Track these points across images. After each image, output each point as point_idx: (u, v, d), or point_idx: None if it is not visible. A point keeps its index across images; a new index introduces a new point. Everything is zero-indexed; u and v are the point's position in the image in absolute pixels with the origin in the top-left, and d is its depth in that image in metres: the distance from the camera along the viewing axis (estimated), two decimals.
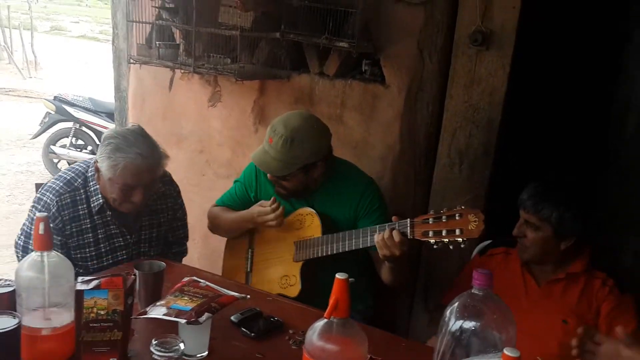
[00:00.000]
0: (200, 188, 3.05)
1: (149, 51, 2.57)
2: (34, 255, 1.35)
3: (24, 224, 2.07)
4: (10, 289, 1.37)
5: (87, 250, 2.06)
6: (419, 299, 2.69)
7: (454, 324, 1.17)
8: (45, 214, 1.34)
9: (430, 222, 1.78)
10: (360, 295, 2.23)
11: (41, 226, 1.33)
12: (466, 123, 2.40)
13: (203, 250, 3.14)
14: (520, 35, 2.26)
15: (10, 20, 13.86)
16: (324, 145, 2.08)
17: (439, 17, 2.38)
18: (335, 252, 2.01)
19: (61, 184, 2.02)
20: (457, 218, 1.74)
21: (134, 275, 1.54)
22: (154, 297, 1.65)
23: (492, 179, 2.41)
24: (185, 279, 1.61)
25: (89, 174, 2.03)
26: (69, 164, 6.23)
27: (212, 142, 2.99)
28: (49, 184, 2.05)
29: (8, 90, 10.91)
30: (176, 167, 2.81)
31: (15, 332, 1.24)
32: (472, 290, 1.18)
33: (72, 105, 6.20)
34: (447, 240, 1.75)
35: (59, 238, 1.99)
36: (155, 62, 2.54)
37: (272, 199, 2.12)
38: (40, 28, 20.45)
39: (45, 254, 1.35)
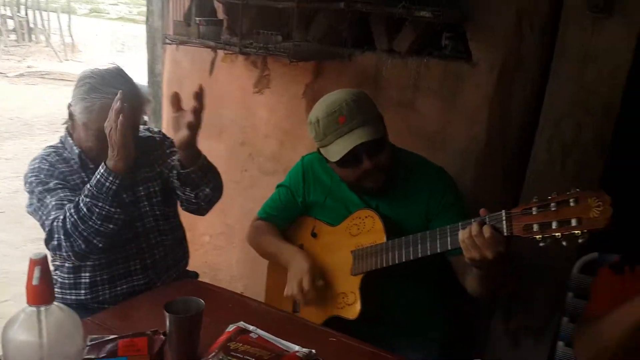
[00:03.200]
0: (242, 185, 2.66)
1: (188, 29, 2.16)
2: (27, 312, 0.97)
3: (38, 217, 1.70)
4: None
5: None
6: (499, 319, 2.25)
7: None
8: (41, 254, 0.95)
9: (534, 213, 1.33)
10: (435, 320, 1.85)
11: (36, 272, 0.94)
12: (575, 109, 1.92)
13: (242, 254, 2.77)
14: None
15: (49, 4, 13.72)
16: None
17: None
18: (404, 259, 1.59)
19: (40, 153, 1.78)
20: (571, 204, 1.28)
21: (162, 334, 1.13)
22: (189, 344, 1.26)
23: (605, 180, 1.93)
24: (231, 327, 1.20)
25: (63, 135, 1.80)
26: None
27: (256, 133, 2.59)
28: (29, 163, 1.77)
29: (44, 73, 10.76)
30: (214, 161, 2.42)
31: None
32: None
33: None
34: (559, 234, 1.29)
35: (68, 187, 1.69)
36: (194, 41, 2.14)
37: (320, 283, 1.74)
38: (79, 11, 20.44)
39: (42, 309, 0.97)
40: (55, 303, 0.98)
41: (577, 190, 1.30)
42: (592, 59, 1.86)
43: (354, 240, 1.75)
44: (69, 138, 1.76)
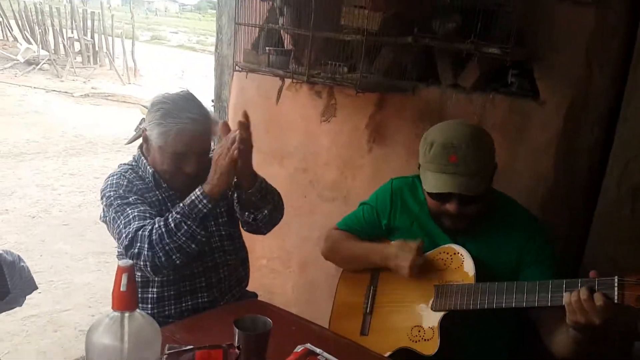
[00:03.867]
0: (301, 211, 2.70)
1: (258, 58, 2.24)
2: (111, 317, 1.02)
3: (115, 225, 1.73)
4: None
5: None
6: None
7: None
8: (129, 262, 1.00)
9: None
10: None
11: (124, 279, 1.00)
12: None
13: (299, 280, 2.79)
14: None
15: (114, 30, 14.41)
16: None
17: (614, 19, 1.89)
18: (495, 306, 1.55)
19: (118, 170, 1.86)
20: None
21: (237, 348, 1.16)
22: None
23: None
24: (299, 348, 1.22)
25: (136, 154, 1.88)
26: None
27: (318, 161, 2.63)
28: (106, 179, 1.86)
29: (108, 95, 11.25)
30: (276, 186, 2.48)
31: None
32: None
33: None
34: None
35: (146, 202, 1.77)
36: (264, 69, 2.21)
37: (419, 242, 1.71)
38: (142, 37, 21.36)
39: (126, 314, 1.02)
40: (137, 310, 1.03)
41: None
42: None
43: (438, 274, 1.71)
44: (143, 158, 1.84)
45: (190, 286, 1.83)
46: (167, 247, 1.63)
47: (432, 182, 1.66)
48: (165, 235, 1.63)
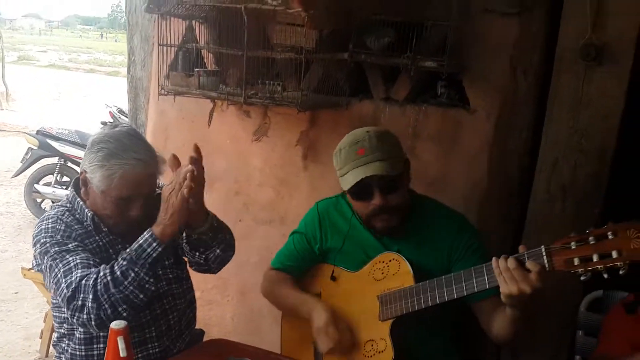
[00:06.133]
0: (236, 236, 2.55)
1: (187, 80, 2.12)
2: None
3: (52, 274, 1.56)
4: None
5: None
6: (506, 357, 2.27)
7: None
8: (124, 323, 0.89)
9: (573, 247, 1.39)
10: None
11: (120, 344, 0.89)
12: (571, 152, 2.02)
13: (239, 308, 2.68)
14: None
15: None
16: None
17: (536, 29, 2.02)
18: (438, 301, 1.60)
19: (54, 211, 1.68)
20: (610, 237, 1.35)
21: None
22: None
23: (604, 218, 2.03)
24: None
25: (70, 196, 1.71)
26: (54, 203, 5.69)
27: (251, 182, 2.55)
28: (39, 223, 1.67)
29: None
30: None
31: None
32: None
33: (57, 139, 5.69)
34: (601, 267, 1.35)
35: (86, 249, 1.60)
36: (194, 92, 2.10)
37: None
38: (8, 58, 19.81)
39: None
40: None
41: (612, 223, 1.36)
42: (586, 104, 1.97)
43: (378, 285, 1.73)
44: (80, 200, 1.67)
45: (139, 337, 1.67)
46: (112, 298, 1.47)
47: (348, 180, 1.68)
48: (111, 285, 1.48)
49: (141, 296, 1.52)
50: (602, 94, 1.95)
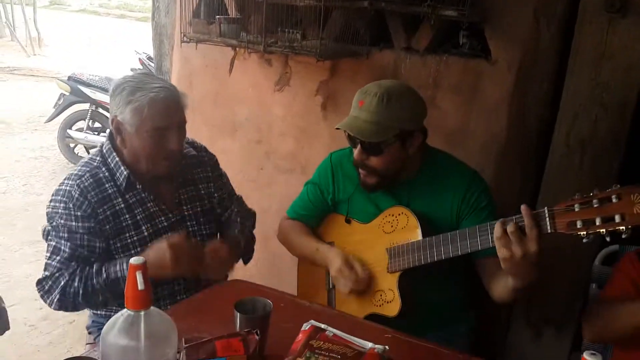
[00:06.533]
0: (258, 184, 2.67)
1: (209, 28, 2.14)
2: (126, 316, 0.99)
3: (48, 238, 1.71)
4: None
5: (128, 235, 1.71)
6: (520, 313, 2.32)
7: None
8: (142, 259, 0.96)
9: (577, 210, 1.37)
10: (463, 316, 1.91)
11: (139, 277, 0.96)
12: (591, 105, 2.00)
13: (261, 253, 2.76)
14: None
15: None
16: (422, 113, 1.72)
17: None
18: (443, 257, 1.63)
19: (78, 168, 1.72)
20: (614, 201, 1.33)
21: (256, 333, 1.15)
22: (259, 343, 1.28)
23: (622, 173, 2.02)
24: (306, 325, 1.23)
25: (105, 149, 1.73)
26: (87, 149, 5.85)
27: (272, 131, 2.60)
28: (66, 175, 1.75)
29: (13, 68, 10.46)
30: (230, 160, 2.44)
31: None
32: None
33: (88, 85, 5.78)
34: (603, 230, 1.34)
35: (92, 225, 1.65)
36: (215, 40, 2.12)
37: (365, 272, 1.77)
38: (40, 3, 19.90)
39: (142, 313, 0.99)
40: (152, 307, 1.00)
41: (617, 186, 1.36)
42: (608, 57, 1.93)
43: (387, 237, 1.76)
44: (115, 155, 1.70)
45: (169, 290, 1.78)
46: (76, 302, 1.63)
47: (342, 123, 1.69)
48: (80, 296, 1.62)
49: (101, 306, 1.73)
50: (625, 46, 1.90)
